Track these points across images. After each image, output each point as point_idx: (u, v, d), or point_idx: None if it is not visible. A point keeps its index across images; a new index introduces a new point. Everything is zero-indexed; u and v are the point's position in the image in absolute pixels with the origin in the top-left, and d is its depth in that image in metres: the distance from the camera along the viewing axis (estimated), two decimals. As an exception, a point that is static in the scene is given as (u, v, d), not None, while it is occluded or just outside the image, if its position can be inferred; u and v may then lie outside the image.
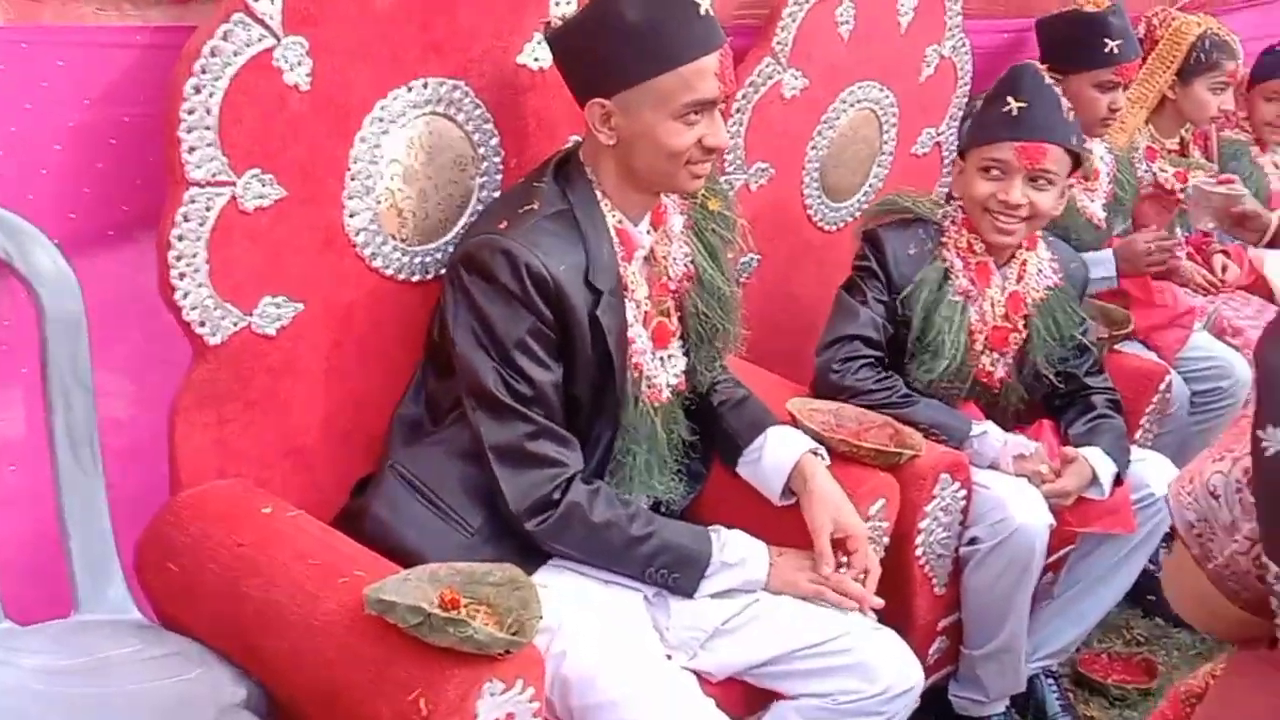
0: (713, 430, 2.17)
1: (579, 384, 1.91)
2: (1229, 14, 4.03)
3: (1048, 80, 2.43)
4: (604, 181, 1.93)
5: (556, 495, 1.84)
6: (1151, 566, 2.82)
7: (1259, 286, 3.66)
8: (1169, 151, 3.66)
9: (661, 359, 2.03)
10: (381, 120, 1.92)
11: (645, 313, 1.98)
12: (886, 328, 2.41)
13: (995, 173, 2.39)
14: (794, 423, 2.20)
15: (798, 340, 2.84)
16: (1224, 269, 3.63)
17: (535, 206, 1.87)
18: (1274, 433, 0.88)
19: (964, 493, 2.29)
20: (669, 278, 2.02)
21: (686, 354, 2.08)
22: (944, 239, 2.47)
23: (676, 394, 2.07)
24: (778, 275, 2.89)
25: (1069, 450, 2.43)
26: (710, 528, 1.98)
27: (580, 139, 1.99)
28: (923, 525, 2.24)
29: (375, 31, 1.86)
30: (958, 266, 2.45)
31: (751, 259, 2.79)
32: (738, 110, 2.56)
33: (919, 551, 2.27)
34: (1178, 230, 3.67)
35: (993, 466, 2.36)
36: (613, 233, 1.93)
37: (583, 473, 1.89)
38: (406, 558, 1.78)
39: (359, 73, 1.86)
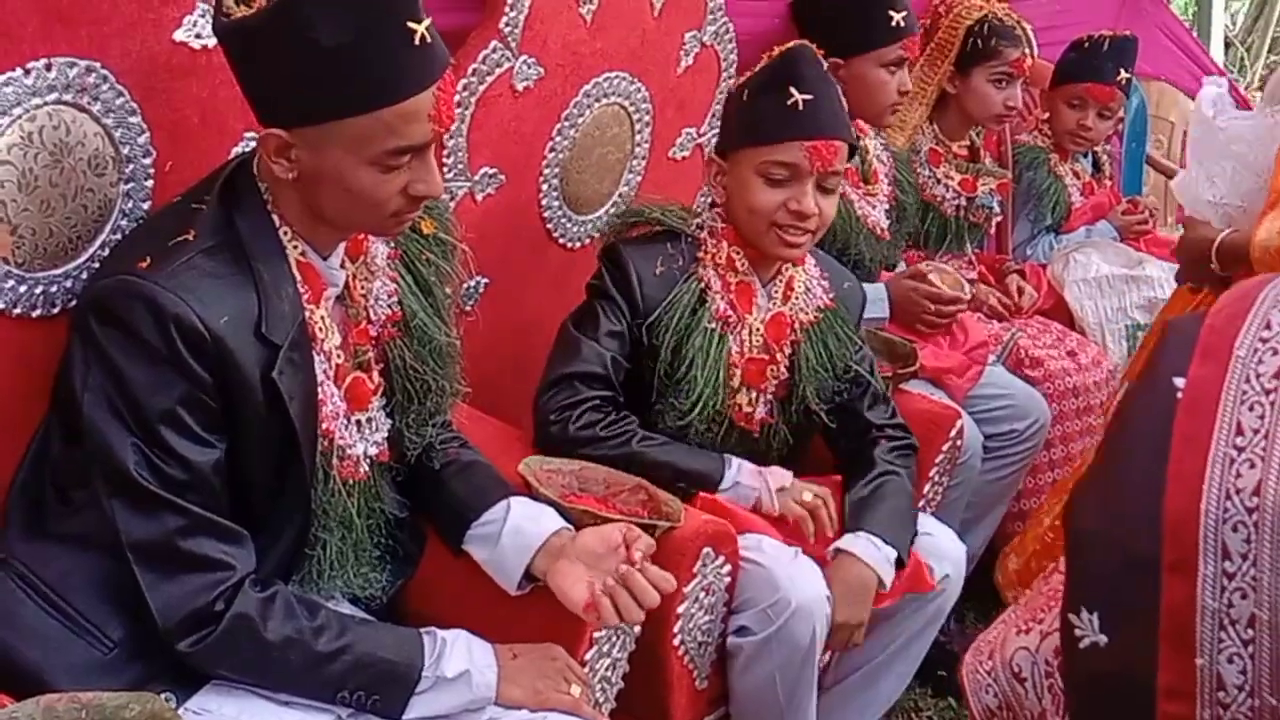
0: (431, 501, 2.08)
1: (250, 462, 1.78)
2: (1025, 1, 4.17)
3: (824, 65, 2.42)
4: (283, 206, 1.80)
5: (219, 607, 1.70)
6: (942, 638, 2.85)
7: (1058, 311, 3.80)
8: (956, 156, 3.76)
9: (359, 423, 1.92)
10: (-13, 112, 1.73)
11: (338, 367, 1.87)
12: (620, 362, 2.37)
13: (780, 177, 2.36)
14: (526, 488, 2.12)
15: (534, 379, 2.76)
16: (1020, 292, 3.75)
17: (190, 237, 1.72)
18: (1089, 620, 0.81)
19: (729, 568, 2.24)
20: (369, 321, 1.92)
21: (391, 416, 1.98)
22: (700, 254, 2.44)
23: (378, 466, 1.96)
24: (511, 302, 2.81)
25: (839, 553, 2.37)
26: (424, 630, 1.87)
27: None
28: (681, 609, 2.20)
29: (-25, -3, 1.67)
30: (716, 286, 2.43)
31: (478, 282, 2.70)
32: (459, 105, 2.46)
33: (677, 640, 2.22)
34: (968, 247, 3.77)
35: (755, 510, 2.34)
36: (294, 269, 1.80)
37: (256, 574, 1.76)
38: (20, 680, 1.64)
39: (-46, 50, 1.67)
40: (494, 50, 2.50)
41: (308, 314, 1.81)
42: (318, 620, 1.77)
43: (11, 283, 1.82)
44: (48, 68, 1.79)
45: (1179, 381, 0.75)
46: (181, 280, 1.68)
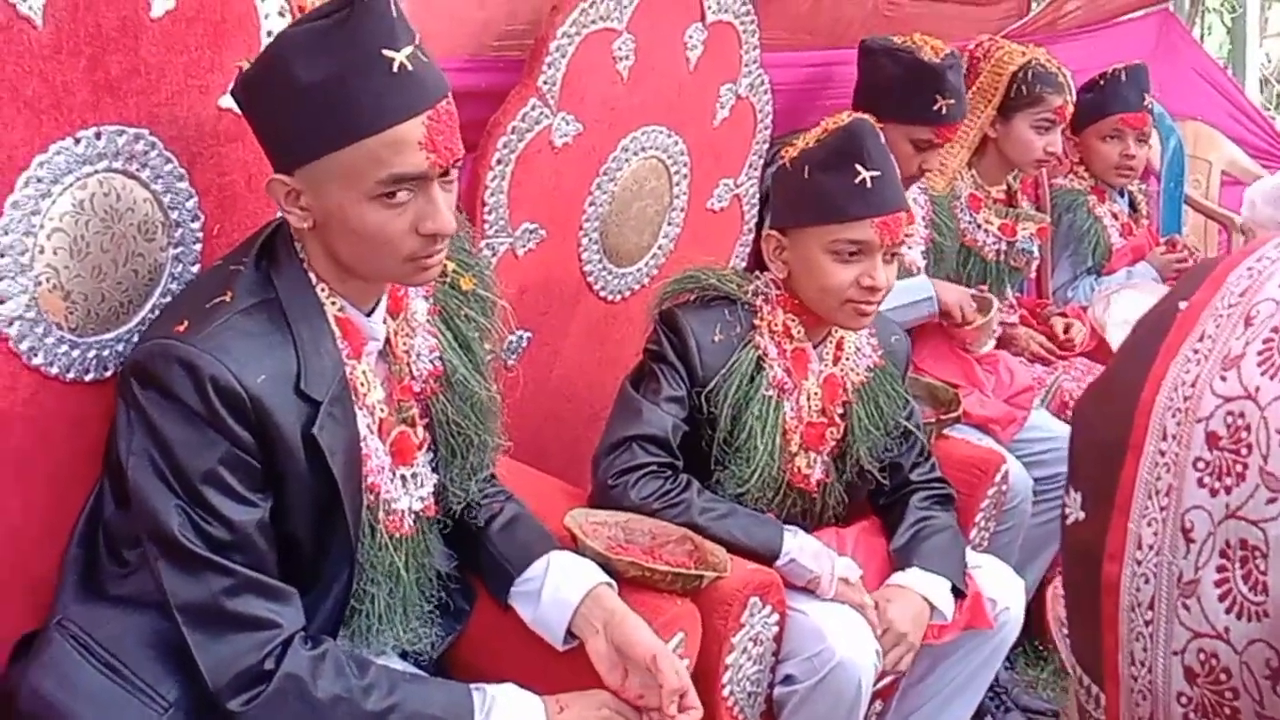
0: (477, 556, 2.08)
1: (295, 519, 1.78)
2: (1057, 43, 4.21)
3: (883, 138, 2.42)
4: (316, 262, 1.82)
5: (269, 665, 1.70)
6: (996, 686, 2.85)
7: (1101, 353, 3.80)
8: (995, 201, 3.77)
9: (404, 478, 1.92)
10: (41, 180, 1.77)
11: (382, 421, 1.88)
12: (680, 427, 2.36)
13: (852, 254, 2.36)
14: (573, 541, 2.13)
15: (578, 433, 2.80)
16: (1068, 329, 3.75)
17: (227, 299, 1.74)
18: (1075, 498, 0.88)
19: (776, 618, 2.25)
20: (411, 377, 1.93)
21: (436, 470, 1.99)
22: (756, 321, 2.44)
23: (424, 520, 1.97)
24: (553, 355, 2.83)
25: (888, 587, 2.42)
26: (473, 686, 1.87)
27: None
28: (730, 660, 2.19)
29: (29, 71, 1.72)
30: (772, 354, 2.43)
31: (521, 337, 2.72)
32: (499, 163, 2.50)
33: (726, 691, 2.21)
34: (1008, 290, 3.78)
35: (808, 589, 2.33)
36: (333, 325, 1.82)
37: (306, 630, 1.76)
38: None
39: (9, 121, 1.72)
40: (533, 108, 2.54)
41: (349, 369, 1.82)
42: (367, 678, 1.77)
43: (65, 347, 1.85)
44: (97, 136, 1.82)
45: (1182, 304, 0.82)
46: (218, 341, 1.69)
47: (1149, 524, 0.79)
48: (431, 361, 1.96)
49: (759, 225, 3.20)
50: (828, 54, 3.45)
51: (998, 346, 3.44)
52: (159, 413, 1.69)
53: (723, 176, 3.09)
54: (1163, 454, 0.78)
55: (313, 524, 1.81)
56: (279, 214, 1.87)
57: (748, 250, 3.25)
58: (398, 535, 1.90)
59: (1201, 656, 0.77)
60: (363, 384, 1.85)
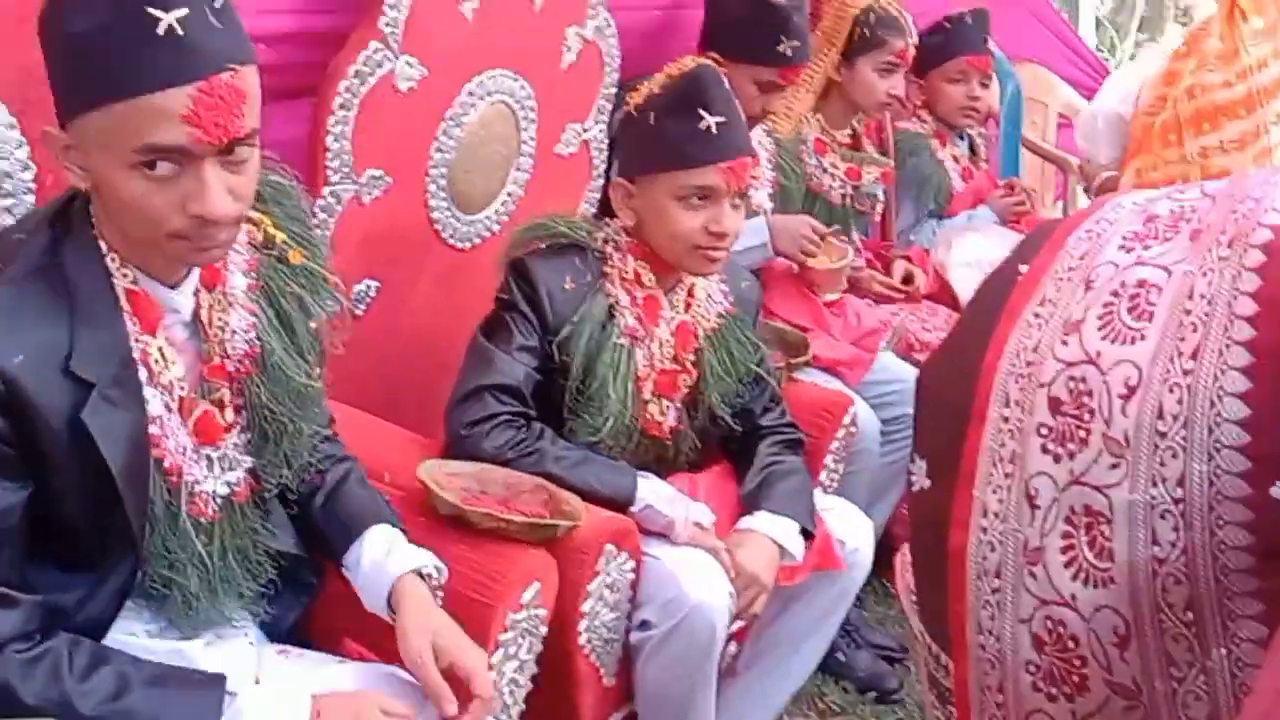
0: (308, 530, 2.00)
1: (67, 503, 1.65)
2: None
3: (727, 83, 2.43)
4: (108, 229, 1.67)
5: None
6: (846, 626, 2.91)
7: (944, 294, 3.88)
8: (840, 145, 3.82)
9: (209, 459, 1.80)
10: None
11: (182, 399, 1.75)
12: (532, 376, 2.36)
13: (699, 200, 2.37)
14: (427, 493, 2.12)
15: (430, 383, 2.77)
16: (907, 280, 3.83)
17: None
18: (920, 466, 0.90)
19: (632, 565, 2.27)
20: (225, 356, 1.80)
21: (250, 454, 1.87)
22: (606, 269, 2.44)
23: (235, 505, 1.85)
24: (402, 304, 2.79)
25: (738, 532, 2.45)
26: (229, 690, 1.71)
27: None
28: (586, 608, 2.21)
29: None
30: (623, 301, 2.43)
31: (369, 285, 2.69)
32: (341, 107, 2.44)
33: (583, 639, 2.23)
34: (854, 234, 3.84)
35: (662, 534, 2.35)
36: (122, 298, 1.68)
37: (42, 632, 1.64)
38: None
39: None
40: (375, 51, 2.48)
41: (139, 347, 1.69)
42: (90, 682, 1.63)
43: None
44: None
45: (1023, 268, 0.84)
46: None
47: (994, 491, 0.80)
48: (247, 341, 1.83)
49: (607, 171, 3.20)
50: (670, -1, 3.44)
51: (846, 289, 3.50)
52: None
53: (570, 121, 3.07)
54: (1006, 420, 0.80)
55: (88, 508, 1.68)
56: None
57: (597, 197, 3.24)
58: (202, 519, 1.79)
59: (1049, 624, 0.78)
60: (156, 361, 1.71)
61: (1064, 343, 0.80)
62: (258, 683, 1.83)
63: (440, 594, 1.95)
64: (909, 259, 3.95)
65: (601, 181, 3.22)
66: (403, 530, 2.01)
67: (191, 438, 1.77)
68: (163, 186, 1.58)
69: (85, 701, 1.61)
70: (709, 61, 2.46)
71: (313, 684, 1.79)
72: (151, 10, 1.51)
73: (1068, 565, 0.77)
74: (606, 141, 3.19)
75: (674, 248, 2.41)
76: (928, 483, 0.88)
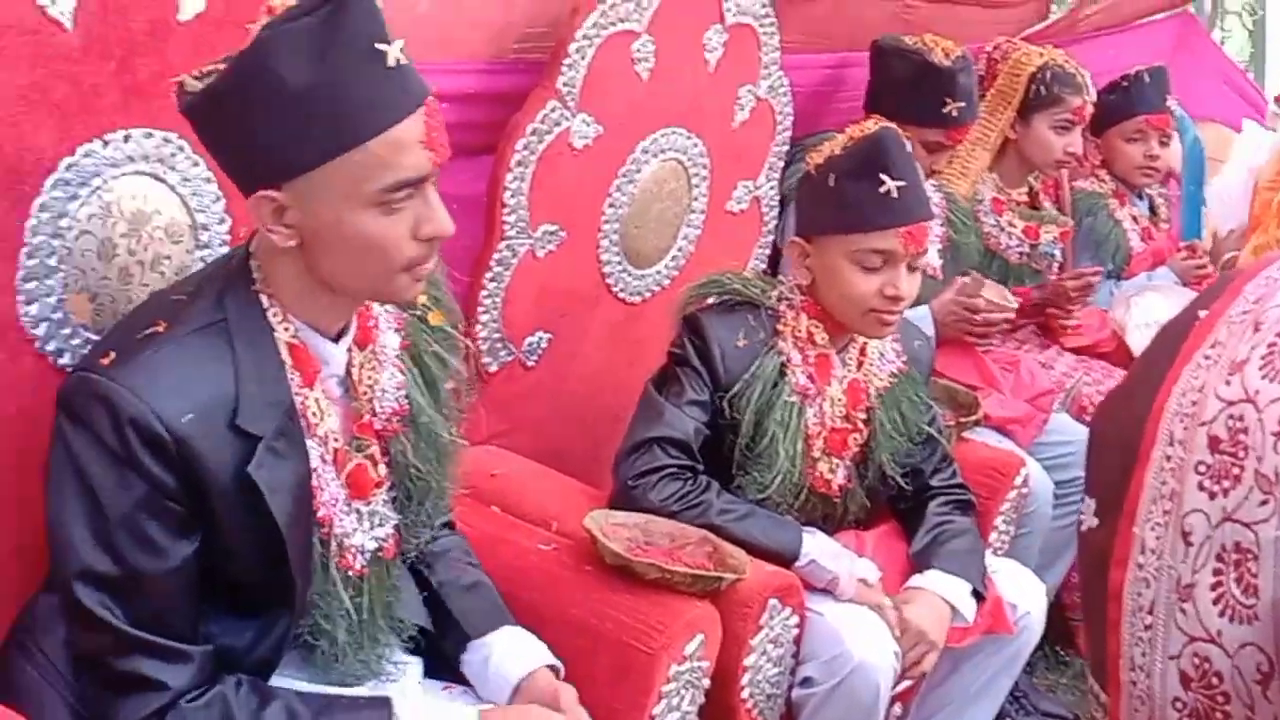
0: (434, 610, 2.02)
1: (233, 555, 1.71)
2: (1077, 45, 4.21)
3: (909, 147, 2.43)
4: (277, 282, 1.71)
5: None
6: (1016, 691, 2.86)
7: (1121, 355, 3.80)
8: (1017, 203, 3.78)
9: (359, 513, 1.83)
10: (69, 183, 1.80)
11: (336, 451, 1.78)
12: (701, 430, 2.38)
13: (875, 263, 2.37)
14: (593, 543, 2.15)
15: (598, 435, 2.82)
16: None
17: (160, 329, 1.65)
18: (1090, 505, 0.90)
19: (795, 620, 2.27)
20: (373, 414, 1.83)
21: (399, 512, 1.91)
22: (779, 327, 2.45)
23: (382, 561, 1.88)
24: (572, 357, 2.85)
25: (908, 590, 2.43)
26: (396, 705, 1.80)
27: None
28: (749, 662, 2.22)
29: (58, 73, 1.75)
30: (795, 360, 2.43)
31: (541, 338, 2.75)
32: (519, 164, 2.52)
33: (746, 694, 2.23)
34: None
35: (827, 590, 2.35)
36: (284, 352, 1.71)
37: (207, 685, 1.69)
38: None
39: (37, 124, 1.75)
40: (552, 109, 2.55)
41: (300, 399, 1.73)
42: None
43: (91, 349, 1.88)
44: (125, 139, 1.85)
45: (1202, 313, 0.84)
46: (142, 377, 1.61)
47: (1152, 528, 0.80)
48: (397, 399, 1.85)
49: (778, 228, 3.22)
50: (843, 55, 3.46)
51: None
52: (80, 449, 1.62)
53: (742, 178, 3.10)
54: (1168, 459, 0.80)
55: (253, 559, 1.72)
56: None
57: (767, 253, 3.27)
58: (350, 573, 1.82)
59: (1196, 661, 0.78)
60: (314, 414, 1.74)
61: (1227, 383, 0.80)
62: None
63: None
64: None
65: (771, 238, 3.25)
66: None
67: (344, 490, 1.80)
68: (398, 218, 1.63)
69: None
70: (892, 125, 2.45)
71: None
72: (380, 46, 1.57)
73: (1216, 602, 0.77)
74: (777, 199, 3.22)
75: (848, 309, 2.42)
76: (1095, 521, 0.88)
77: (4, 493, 1.82)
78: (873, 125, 2.44)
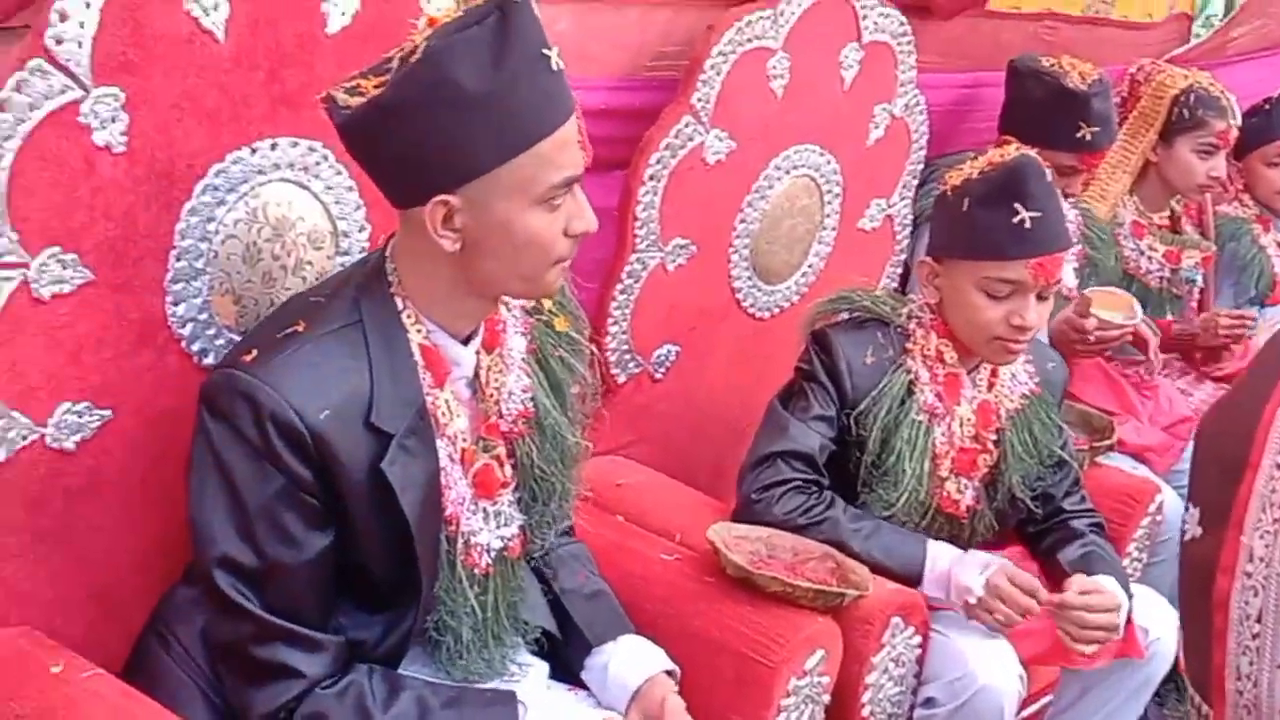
0: (557, 617, 2.05)
1: (365, 550, 1.77)
2: (1222, 68, 4.12)
3: (1049, 176, 2.38)
4: (412, 286, 1.76)
5: (282, 716, 1.72)
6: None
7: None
8: (1158, 227, 3.71)
9: (486, 512, 1.87)
10: (217, 188, 1.87)
11: (464, 451, 1.83)
12: (827, 446, 2.38)
13: (1004, 292, 2.33)
14: (715, 554, 2.16)
15: (723, 448, 2.83)
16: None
17: (299, 329, 1.71)
18: (1193, 514, 0.89)
19: (918, 639, 2.25)
20: (499, 416, 1.87)
21: (524, 512, 1.94)
22: (909, 345, 2.44)
23: (507, 560, 1.92)
24: (700, 370, 2.87)
25: (1085, 580, 2.36)
26: (521, 700, 1.85)
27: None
28: (870, 680, 2.21)
29: (210, 82, 1.81)
30: (924, 378, 2.41)
31: (669, 350, 2.76)
32: (651, 178, 2.54)
33: (866, 710, 2.23)
34: (1169, 318, 3.71)
35: (951, 610, 2.33)
36: (416, 353, 1.77)
37: (340, 674, 1.76)
38: None
39: (189, 131, 1.81)
40: (686, 125, 2.57)
41: (431, 399, 1.77)
42: (392, 709, 1.75)
43: (234, 349, 1.94)
44: (272, 147, 1.91)
45: None
46: (282, 374, 1.66)
47: (1260, 536, 0.80)
48: (523, 402, 1.89)
49: (909, 246, 3.21)
50: (978, 75, 3.43)
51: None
52: (222, 443, 1.68)
53: (875, 196, 3.10)
54: (1279, 467, 0.79)
55: (386, 554, 1.78)
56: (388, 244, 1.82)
57: (899, 272, 3.26)
58: (475, 571, 1.86)
59: None
60: (444, 414, 1.79)
61: None
62: None
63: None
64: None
65: (904, 257, 3.24)
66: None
67: (471, 489, 1.84)
68: (557, 216, 1.70)
69: None
70: (1032, 153, 2.39)
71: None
72: (544, 51, 1.64)
73: None
74: (910, 217, 3.21)
75: (973, 335, 2.39)
76: (1199, 531, 0.87)
77: (148, 486, 1.90)
78: (1012, 152, 2.39)
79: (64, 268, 1.72)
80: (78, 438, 1.80)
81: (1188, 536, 0.88)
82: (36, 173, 1.65)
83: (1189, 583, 0.89)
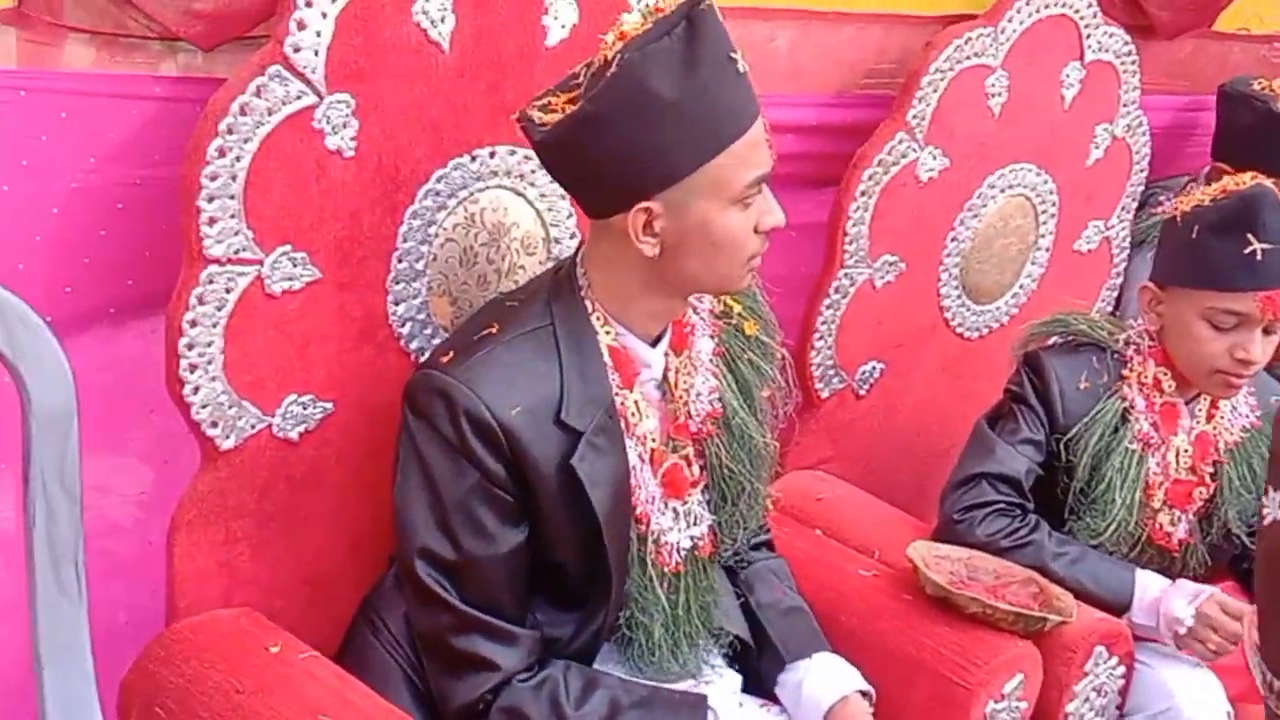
0: (753, 630, 2.04)
1: (557, 546, 1.80)
2: None
3: None
4: (601, 290, 1.80)
5: (480, 707, 1.76)
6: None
7: None
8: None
9: (675, 511, 1.89)
10: (438, 194, 1.92)
11: (653, 451, 1.85)
12: (1034, 470, 2.33)
13: (1229, 324, 2.26)
14: (915, 572, 2.14)
15: (926, 467, 2.81)
16: None
17: (493, 331, 1.76)
18: (1274, 498, 0.86)
19: (1122, 670, 2.19)
20: (688, 416, 1.89)
21: (712, 512, 1.95)
22: (1125, 372, 2.37)
23: (698, 559, 1.92)
24: (905, 388, 2.84)
25: None
26: (711, 704, 1.87)
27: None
28: (1070, 708, 2.16)
29: (435, 91, 1.87)
30: (1140, 406, 2.35)
31: (874, 367, 2.74)
32: (863, 194, 2.53)
33: (1065, 739, 2.17)
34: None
35: (1156, 640, 2.26)
36: (605, 354, 1.80)
37: (537, 667, 1.80)
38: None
39: (414, 138, 1.87)
40: (900, 141, 2.55)
41: (619, 399, 1.80)
42: (586, 706, 1.78)
43: (449, 349, 2.00)
44: (491, 155, 1.96)
45: None
46: (476, 373, 1.72)
47: None
48: (711, 402, 1.91)
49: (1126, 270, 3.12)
50: (1196, 98, 3.31)
51: None
52: (422, 440, 1.74)
53: (1093, 218, 3.02)
54: None
55: (576, 551, 1.81)
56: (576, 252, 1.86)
57: (1114, 295, 3.17)
58: (666, 570, 1.87)
59: None
60: (634, 414, 1.82)
61: None
62: None
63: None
64: None
65: (1120, 280, 3.15)
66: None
67: (660, 489, 1.86)
68: (748, 215, 1.74)
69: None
70: (1268, 184, 2.30)
71: None
72: (731, 55, 1.67)
73: None
74: (1128, 240, 3.12)
75: (1193, 365, 2.31)
76: None
77: (362, 478, 1.96)
78: (1248, 180, 2.30)
79: (294, 265, 1.79)
80: (301, 428, 1.87)
81: (1268, 520, 0.85)
82: (272, 174, 1.73)
83: (1270, 567, 0.87)
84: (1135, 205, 3.09)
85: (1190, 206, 2.32)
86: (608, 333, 1.81)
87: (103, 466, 1.85)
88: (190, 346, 1.73)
